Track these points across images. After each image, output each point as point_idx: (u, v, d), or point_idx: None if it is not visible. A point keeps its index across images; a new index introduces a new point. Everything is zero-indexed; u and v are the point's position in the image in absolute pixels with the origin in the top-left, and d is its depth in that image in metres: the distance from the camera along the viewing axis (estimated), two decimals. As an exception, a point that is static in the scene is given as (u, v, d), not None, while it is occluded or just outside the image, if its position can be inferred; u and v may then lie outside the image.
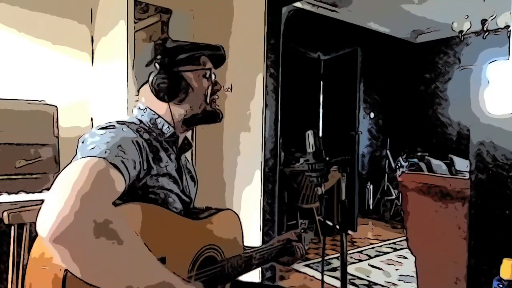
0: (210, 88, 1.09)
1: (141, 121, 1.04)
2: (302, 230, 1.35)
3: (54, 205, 0.67)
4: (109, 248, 0.69)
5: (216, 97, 1.12)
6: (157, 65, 1.01)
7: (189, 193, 1.10)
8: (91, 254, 0.68)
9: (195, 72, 1.07)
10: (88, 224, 0.67)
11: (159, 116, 1.05)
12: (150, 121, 1.05)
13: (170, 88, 1.01)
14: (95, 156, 0.77)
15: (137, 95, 1.11)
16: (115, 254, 0.71)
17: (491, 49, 4.07)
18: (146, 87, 1.05)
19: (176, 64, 1.04)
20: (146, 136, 0.97)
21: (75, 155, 0.82)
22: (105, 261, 0.70)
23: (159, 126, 1.05)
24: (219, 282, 1.06)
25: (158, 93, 1.02)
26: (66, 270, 0.73)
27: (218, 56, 1.14)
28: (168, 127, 1.05)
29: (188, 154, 1.18)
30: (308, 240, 1.36)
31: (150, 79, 1.01)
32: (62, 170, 0.75)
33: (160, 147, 1.00)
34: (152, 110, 1.06)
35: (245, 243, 1.21)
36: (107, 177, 0.76)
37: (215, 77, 1.11)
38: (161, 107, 1.06)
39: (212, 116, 1.10)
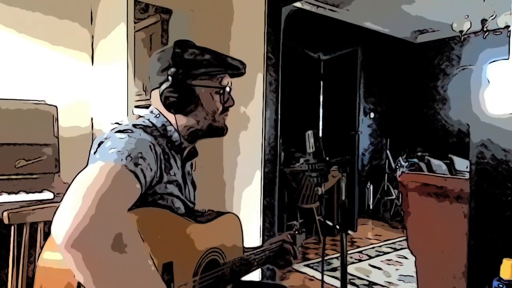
0: (221, 106, 1.07)
1: (154, 125, 1.04)
2: (296, 232, 1.35)
3: (70, 209, 0.66)
4: (119, 260, 0.68)
5: (227, 114, 1.10)
6: (170, 77, 0.99)
7: (191, 199, 1.11)
8: (104, 262, 0.67)
9: (209, 88, 1.05)
10: (103, 231, 0.66)
11: (171, 124, 1.05)
12: (161, 127, 1.04)
13: (179, 102, 1.00)
14: (113, 161, 0.76)
15: (149, 98, 1.10)
16: (124, 267, 0.70)
17: (491, 49, 4.07)
18: (157, 93, 1.04)
19: (190, 77, 1.02)
20: (160, 141, 0.97)
21: (89, 157, 0.81)
22: (115, 272, 0.69)
23: (169, 134, 1.04)
24: (221, 285, 1.06)
25: (166, 104, 1.01)
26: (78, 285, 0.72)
27: (237, 73, 1.12)
28: (177, 136, 1.04)
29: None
30: (300, 242, 1.35)
31: (161, 89, 1.00)
32: (63, 170, 0.75)
33: (170, 154, 1.01)
34: (165, 117, 1.05)
35: (245, 243, 1.21)
36: (124, 183, 0.76)
37: (229, 92, 1.08)
38: (172, 116, 1.05)
39: (217, 131, 1.09)
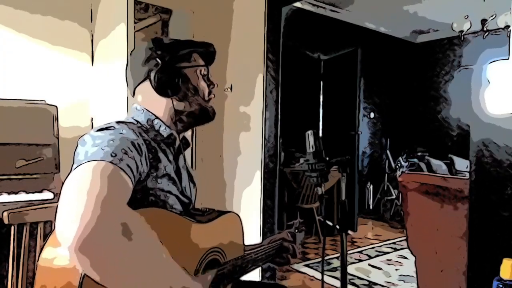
0: (207, 87, 1.10)
1: (138, 122, 1.04)
2: (296, 230, 1.35)
3: (73, 213, 0.66)
4: (131, 251, 0.69)
5: (213, 95, 1.12)
6: (158, 59, 1.01)
7: (188, 195, 1.10)
8: (115, 259, 0.68)
9: (192, 69, 1.07)
10: (112, 227, 0.67)
11: (156, 117, 1.05)
12: (147, 122, 1.04)
13: (172, 83, 1.01)
14: (100, 160, 0.77)
15: (133, 95, 1.11)
16: (136, 258, 0.70)
17: (491, 49, 4.06)
18: (143, 86, 1.05)
19: (175, 60, 1.04)
20: (145, 136, 0.96)
21: (74, 158, 0.81)
22: (127, 265, 0.70)
23: (156, 127, 1.04)
24: (221, 285, 1.06)
25: (160, 88, 1.01)
26: (80, 284, 0.72)
27: (209, 53, 1.14)
28: (165, 128, 1.04)
29: (188, 155, 1.18)
30: (299, 240, 1.35)
31: (152, 74, 1.01)
32: (63, 170, 0.75)
33: (158, 147, 0.99)
34: (149, 111, 1.05)
35: (245, 243, 1.21)
36: (117, 179, 0.76)
37: (210, 76, 1.12)
38: (159, 108, 1.05)
39: (207, 114, 1.10)
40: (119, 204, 0.72)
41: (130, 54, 1.13)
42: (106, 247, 0.66)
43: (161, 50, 1.03)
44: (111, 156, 0.78)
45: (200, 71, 1.09)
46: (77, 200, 0.68)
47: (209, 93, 1.10)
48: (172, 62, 1.03)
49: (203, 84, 1.09)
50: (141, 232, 0.72)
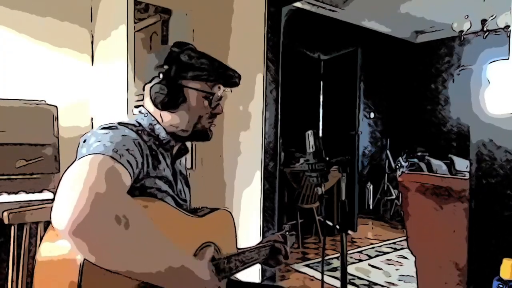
0: (208, 112, 1.08)
1: (140, 124, 1.05)
2: (287, 233, 1.38)
3: (69, 199, 0.68)
4: (127, 235, 0.71)
5: (213, 120, 1.11)
6: (161, 74, 1.02)
7: (184, 197, 1.12)
8: (110, 243, 0.69)
9: (198, 92, 1.05)
10: (106, 214, 0.69)
11: (158, 123, 1.06)
12: (148, 126, 1.06)
13: (165, 99, 1.01)
14: (101, 153, 0.78)
15: (143, 91, 1.12)
16: (134, 241, 0.72)
17: (491, 49, 4.07)
18: (148, 87, 1.06)
19: (181, 77, 1.04)
20: (146, 138, 0.99)
21: (76, 156, 0.83)
22: (124, 249, 0.71)
23: (157, 132, 1.06)
24: (215, 279, 1.07)
25: (153, 100, 1.03)
26: (80, 276, 0.73)
27: (230, 82, 1.12)
28: (165, 135, 1.06)
29: (188, 156, 1.19)
30: (291, 243, 1.38)
31: (151, 84, 1.03)
32: (63, 170, 0.76)
33: (157, 151, 1.02)
34: (152, 116, 1.07)
35: (245, 244, 1.22)
36: (115, 172, 0.78)
37: (219, 99, 1.09)
38: (159, 113, 1.06)
39: (201, 135, 1.10)
40: (114, 193, 0.73)
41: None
42: (99, 232, 0.68)
43: (169, 65, 1.03)
44: (113, 151, 0.80)
45: (207, 95, 1.06)
46: (73, 187, 0.70)
47: (209, 117, 1.09)
48: (177, 78, 1.03)
49: (203, 108, 1.06)
50: (138, 219, 0.74)
